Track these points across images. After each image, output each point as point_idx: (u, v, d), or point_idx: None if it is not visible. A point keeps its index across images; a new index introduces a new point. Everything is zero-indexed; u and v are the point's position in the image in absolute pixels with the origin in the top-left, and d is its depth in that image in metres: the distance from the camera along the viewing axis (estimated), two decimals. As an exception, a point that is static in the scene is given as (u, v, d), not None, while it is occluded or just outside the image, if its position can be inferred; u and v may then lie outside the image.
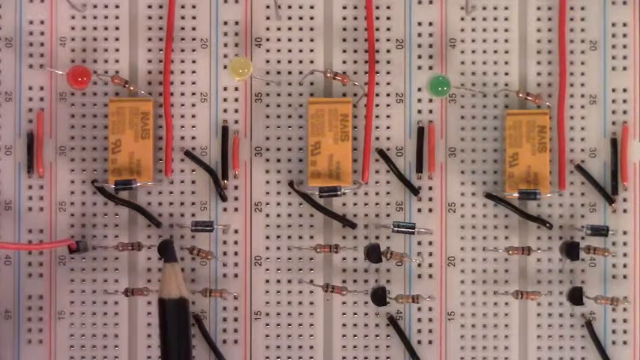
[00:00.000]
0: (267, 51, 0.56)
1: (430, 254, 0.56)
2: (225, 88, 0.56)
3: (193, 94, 0.56)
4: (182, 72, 0.56)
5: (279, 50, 0.56)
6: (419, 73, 0.56)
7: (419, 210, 0.56)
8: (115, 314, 0.56)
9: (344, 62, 0.56)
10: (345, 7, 0.56)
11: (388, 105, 0.56)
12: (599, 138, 0.56)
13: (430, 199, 0.56)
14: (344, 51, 0.56)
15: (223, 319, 0.56)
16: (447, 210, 0.56)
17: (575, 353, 0.56)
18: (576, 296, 0.55)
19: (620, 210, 0.56)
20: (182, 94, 0.56)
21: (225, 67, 0.56)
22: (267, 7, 0.56)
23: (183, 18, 0.56)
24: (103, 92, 0.56)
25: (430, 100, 0.56)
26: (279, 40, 0.56)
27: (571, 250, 0.54)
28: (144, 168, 0.54)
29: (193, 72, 0.56)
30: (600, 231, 0.54)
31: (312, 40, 0.56)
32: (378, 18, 0.56)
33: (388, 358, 0.56)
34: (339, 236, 0.56)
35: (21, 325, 0.56)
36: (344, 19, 0.56)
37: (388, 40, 0.56)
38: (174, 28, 0.55)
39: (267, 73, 0.56)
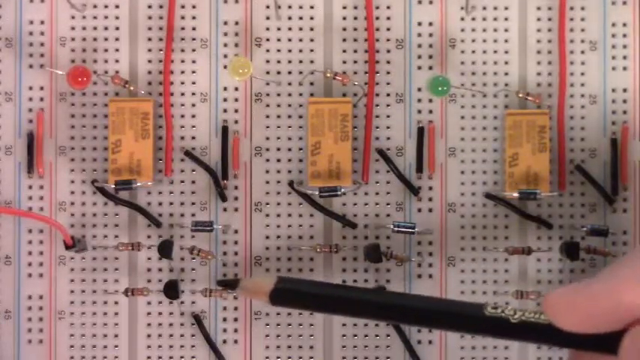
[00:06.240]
0: (267, 51, 0.56)
1: (430, 254, 0.56)
2: (225, 88, 0.56)
3: (193, 94, 0.56)
4: (182, 72, 0.56)
5: (279, 50, 0.56)
6: (419, 73, 0.56)
7: (419, 210, 0.56)
8: (115, 314, 0.56)
9: (344, 62, 0.56)
10: (345, 7, 0.56)
11: (388, 105, 0.56)
12: (599, 138, 0.56)
13: (430, 199, 0.56)
14: (344, 51, 0.56)
15: (223, 319, 0.56)
16: (447, 210, 0.56)
17: (575, 353, 0.56)
18: (576, 296, 0.55)
19: (620, 210, 0.56)
20: (182, 94, 0.56)
21: (225, 67, 0.56)
22: (267, 7, 0.56)
23: (183, 18, 0.56)
24: (103, 92, 0.56)
25: (430, 100, 0.56)
26: (279, 40, 0.56)
27: (571, 250, 0.54)
28: (144, 168, 0.54)
29: (193, 72, 0.56)
30: (600, 231, 0.54)
31: (312, 40, 0.56)
32: (378, 18, 0.56)
33: (388, 358, 0.56)
34: (339, 236, 0.56)
35: (21, 325, 0.56)
36: (344, 19, 0.56)
37: (388, 40, 0.56)
38: (174, 28, 0.55)
39: (267, 73, 0.56)
